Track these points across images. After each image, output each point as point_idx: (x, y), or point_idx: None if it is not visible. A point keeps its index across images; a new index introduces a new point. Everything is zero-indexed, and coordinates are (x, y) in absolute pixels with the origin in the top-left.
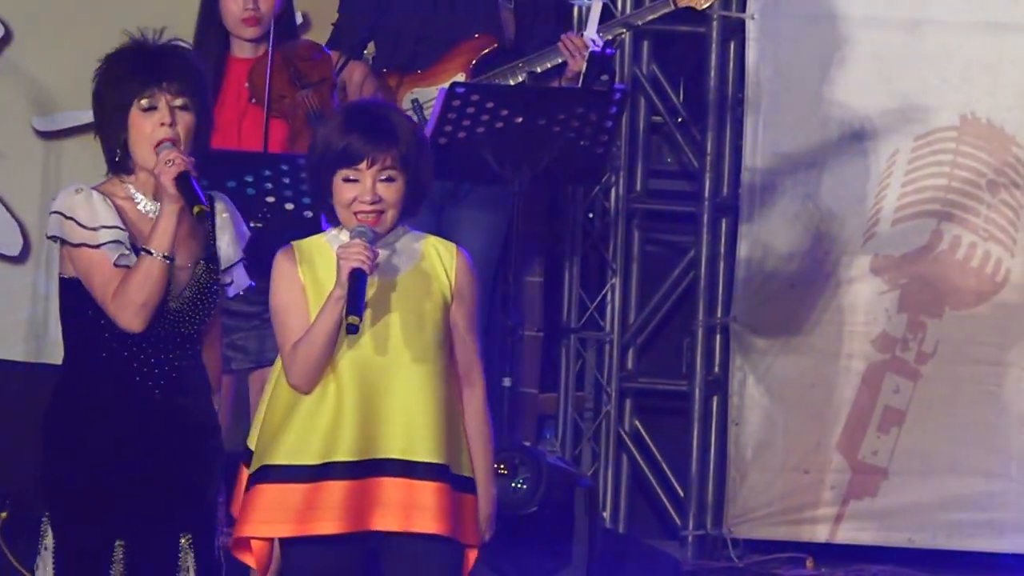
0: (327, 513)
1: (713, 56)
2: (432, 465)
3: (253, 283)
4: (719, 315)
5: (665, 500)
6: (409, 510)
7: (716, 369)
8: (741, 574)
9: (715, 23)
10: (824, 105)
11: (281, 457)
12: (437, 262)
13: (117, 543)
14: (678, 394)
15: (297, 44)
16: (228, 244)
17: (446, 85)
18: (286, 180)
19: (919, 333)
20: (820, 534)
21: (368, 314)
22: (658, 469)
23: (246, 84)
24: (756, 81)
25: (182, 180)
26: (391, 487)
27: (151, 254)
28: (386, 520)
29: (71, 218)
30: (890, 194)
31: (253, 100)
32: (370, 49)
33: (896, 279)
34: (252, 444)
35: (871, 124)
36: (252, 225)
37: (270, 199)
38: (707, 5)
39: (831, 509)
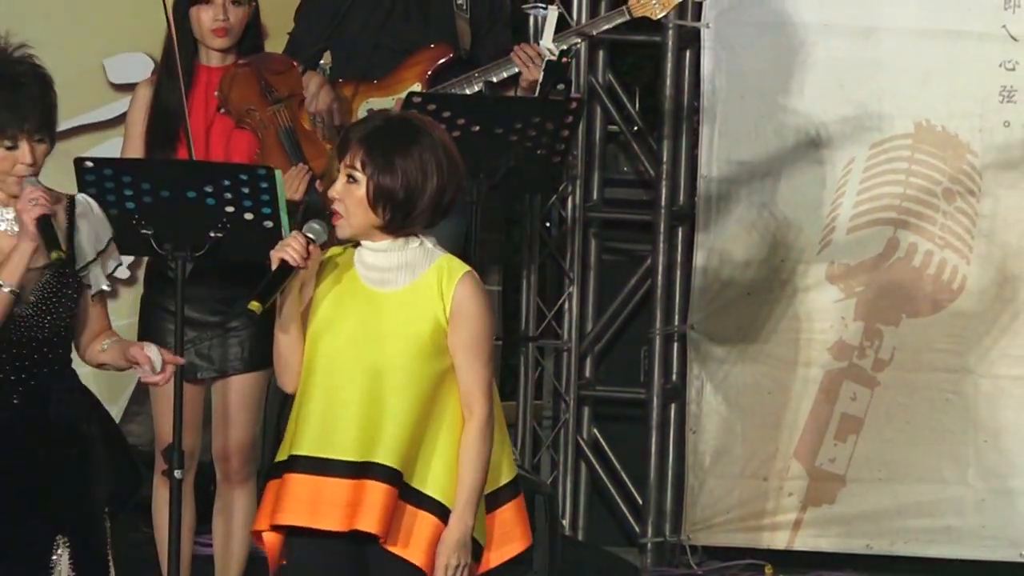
0: (288, 504)
1: (668, 65)
2: (384, 467)
3: (108, 287)
4: (676, 323)
5: (624, 507)
6: (353, 508)
7: (674, 377)
8: None
9: (670, 32)
10: (780, 113)
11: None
12: (435, 283)
13: None
14: (636, 402)
15: (269, 57)
16: (80, 244)
17: (402, 95)
18: (245, 190)
19: (876, 341)
20: (779, 541)
21: (354, 320)
22: (617, 477)
23: (216, 93)
24: (712, 90)
25: (43, 223)
26: (339, 487)
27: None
28: (330, 519)
29: None
30: (846, 202)
31: (222, 110)
32: (326, 59)
33: (852, 287)
34: None
35: (827, 132)
36: (212, 235)
37: (230, 209)
38: (662, 14)
39: (789, 516)
